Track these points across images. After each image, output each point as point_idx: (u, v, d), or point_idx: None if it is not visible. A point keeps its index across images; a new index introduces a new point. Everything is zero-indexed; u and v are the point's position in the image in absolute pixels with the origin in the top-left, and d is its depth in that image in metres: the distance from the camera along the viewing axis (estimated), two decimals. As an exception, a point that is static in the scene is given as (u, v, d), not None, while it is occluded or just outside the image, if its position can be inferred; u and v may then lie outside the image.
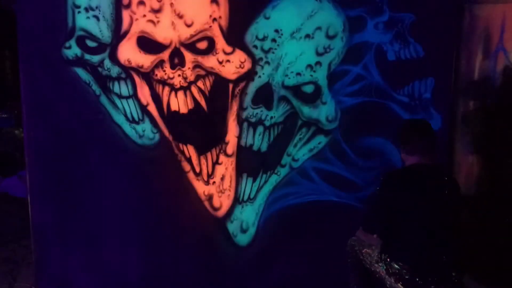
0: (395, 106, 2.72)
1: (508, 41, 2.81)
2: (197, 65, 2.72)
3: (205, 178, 2.86)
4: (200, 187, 2.87)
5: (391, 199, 2.20)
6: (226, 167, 2.84)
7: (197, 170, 2.85)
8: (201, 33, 2.68)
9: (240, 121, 2.77)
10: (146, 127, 2.83)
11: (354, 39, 2.67)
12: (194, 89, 2.75)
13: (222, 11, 2.65)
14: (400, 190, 2.19)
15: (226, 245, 2.91)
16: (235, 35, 2.67)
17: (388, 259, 2.24)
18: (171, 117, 2.80)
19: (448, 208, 2.22)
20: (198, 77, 2.73)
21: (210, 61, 2.71)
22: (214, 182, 2.86)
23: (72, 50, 2.77)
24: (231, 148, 2.81)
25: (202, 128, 2.81)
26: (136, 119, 2.83)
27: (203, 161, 2.84)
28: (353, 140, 2.77)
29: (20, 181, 5.12)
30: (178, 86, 2.75)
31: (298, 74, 2.71)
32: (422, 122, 2.40)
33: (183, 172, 2.85)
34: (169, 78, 2.75)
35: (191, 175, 2.86)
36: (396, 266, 2.21)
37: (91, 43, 2.77)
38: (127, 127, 2.84)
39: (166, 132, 2.82)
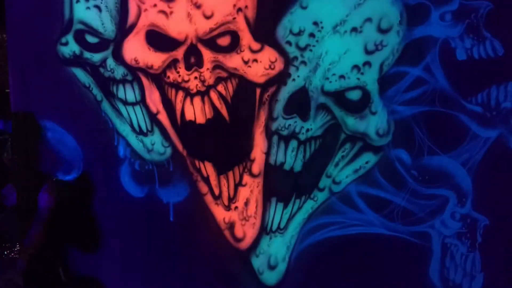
0: (465, 117, 2.37)
1: None
2: (217, 66, 2.52)
3: (226, 203, 2.62)
4: (220, 213, 2.64)
5: None
6: (251, 190, 2.60)
7: (216, 192, 2.62)
8: (223, 27, 2.48)
9: (269, 134, 2.52)
10: (156, 139, 2.66)
11: (414, 33, 2.34)
12: (213, 95, 2.55)
13: (249, 0, 2.44)
14: None
15: (250, 283, 2.66)
16: (264, 29, 2.44)
17: None
18: (185, 128, 2.62)
19: None
20: (218, 80, 2.54)
21: (233, 61, 2.50)
22: (236, 208, 2.62)
23: (69, 47, 2.67)
24: (257, 166, 2.56)
25: (223, 141, 2.60)
26: (144, 129, 2.67)
27: (223, 181, 2.61)
28: (410, 159, 2.44)
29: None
30: (195, 90, 2.57)
31: (342, 77, 2.42)
32: None
33: (200, 195, 2.64)
34: (183, 81, 2.57)
35: (208, 198, 2.64)
36: None
37: (91, 39, 2.66)
38: (133, 140, 2.68)
39: (179, 146, 2.64)
